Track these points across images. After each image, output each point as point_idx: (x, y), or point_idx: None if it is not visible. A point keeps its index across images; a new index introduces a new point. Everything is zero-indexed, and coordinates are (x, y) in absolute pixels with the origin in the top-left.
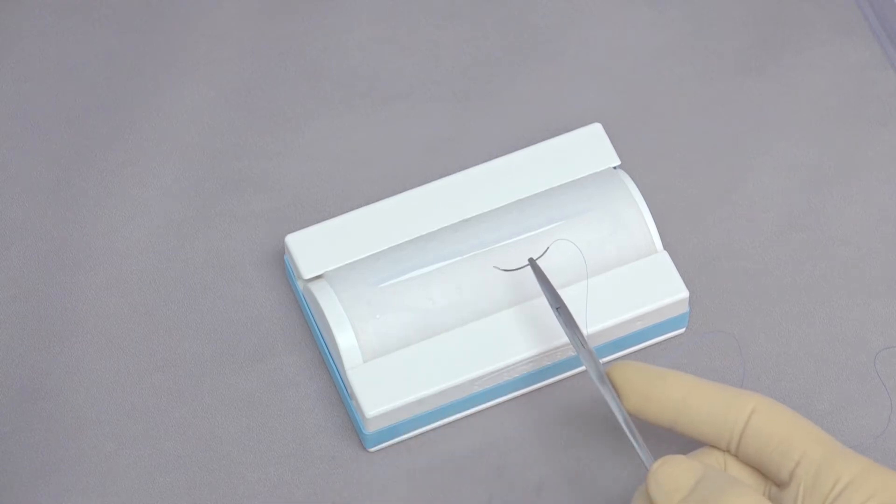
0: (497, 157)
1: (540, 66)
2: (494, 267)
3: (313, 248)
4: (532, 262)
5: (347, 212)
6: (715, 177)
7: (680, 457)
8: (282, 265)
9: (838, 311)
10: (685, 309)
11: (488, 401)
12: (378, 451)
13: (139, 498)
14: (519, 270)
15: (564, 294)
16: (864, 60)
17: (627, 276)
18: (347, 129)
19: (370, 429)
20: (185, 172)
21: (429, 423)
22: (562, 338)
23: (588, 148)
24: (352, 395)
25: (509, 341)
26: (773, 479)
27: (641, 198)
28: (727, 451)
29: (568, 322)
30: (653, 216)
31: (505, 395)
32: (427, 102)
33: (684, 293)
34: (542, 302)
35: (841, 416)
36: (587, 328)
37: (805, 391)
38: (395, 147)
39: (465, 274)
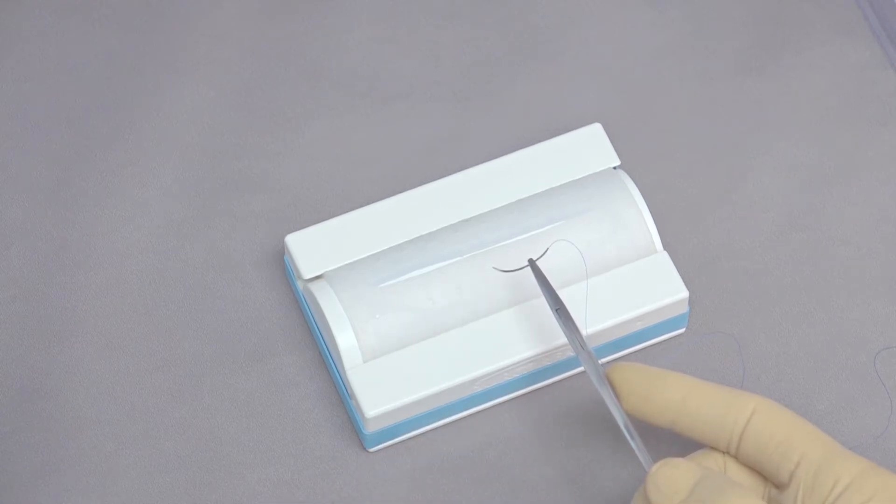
0: (497, 157)
1: (540, 66)
2: (494, 268)
3: (313, 248)
4: (532, 263)
5: (347, 212)
6: (715, 177)
7: (678, 459)
8: (282, 265)
9: (838, 311)
10: (685, 309)
11: (488, 401)
12: (378, 451)
13: (139, 498)
14: (519, 271)
15: (564, 294)
16: (864, 60)
17: (627, 277)
18: (347, 129)
19: (370, 429)
20: (185, 172)
21: (429, 423)
22: (561, 338)
23: (588, 148)
24: (352, 395)
25: (509, 341)
26: (772, 481)
27: (641, 198)
28: (727, 452)
29: (567, 323)
30: (653, 216)
31: (505, 395)
32: (427, 102)
33: (684, 293)
34: (542, 302)
35: (841, 416)
36: (587, 328)
37: (805, 391)
38: (395, 147)
39: (465, 274)
